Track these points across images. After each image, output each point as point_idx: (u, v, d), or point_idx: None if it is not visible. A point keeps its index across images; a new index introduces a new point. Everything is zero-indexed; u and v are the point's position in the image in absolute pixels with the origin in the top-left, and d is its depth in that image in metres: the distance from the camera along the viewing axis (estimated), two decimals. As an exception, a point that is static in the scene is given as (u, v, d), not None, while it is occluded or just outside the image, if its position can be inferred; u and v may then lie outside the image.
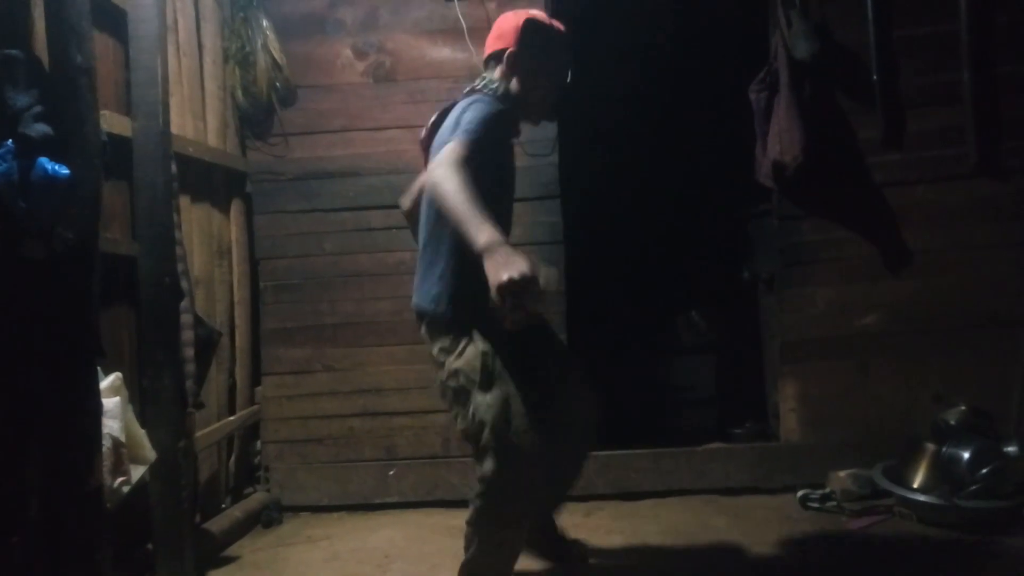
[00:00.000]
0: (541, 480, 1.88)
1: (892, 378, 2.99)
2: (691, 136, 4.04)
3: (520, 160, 3.08)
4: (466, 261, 1.75)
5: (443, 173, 1.71)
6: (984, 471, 2.49)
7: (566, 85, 2.10)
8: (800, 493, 2.83)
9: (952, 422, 2.71)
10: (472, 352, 1.88)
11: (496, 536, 1.93)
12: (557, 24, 2.06)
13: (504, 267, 1.57)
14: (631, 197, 4.16)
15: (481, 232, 1.62)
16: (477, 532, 1.94)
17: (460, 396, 1.90)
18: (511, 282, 1.55)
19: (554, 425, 1.92)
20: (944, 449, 2.61)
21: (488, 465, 1.84)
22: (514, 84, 2.02)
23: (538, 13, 2.10)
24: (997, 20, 2.93)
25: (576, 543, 2.40)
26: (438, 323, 1.95)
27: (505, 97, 2.01)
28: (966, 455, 2.54)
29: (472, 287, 1.75)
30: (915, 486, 2.63)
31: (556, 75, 2.06)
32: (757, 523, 2.68)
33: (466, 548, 2.00)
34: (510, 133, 2.06)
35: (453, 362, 1.90)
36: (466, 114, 1.86)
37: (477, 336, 1.89)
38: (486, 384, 1.85)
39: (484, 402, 1.84)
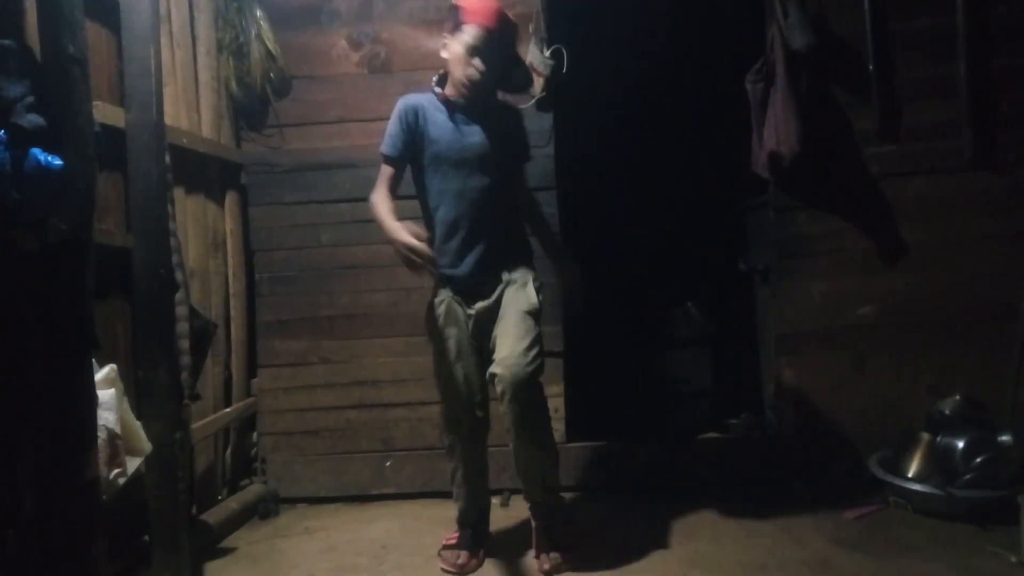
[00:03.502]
0: (464, 425, 2.37)
1: (887, 369, 3.00)
2: (687, 128, 4.04)
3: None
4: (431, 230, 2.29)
5: (371, 200, 2.29)
6: (978, 461, 2.51)
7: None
8: (796, 484, 2.84)
9: (947, 412, 2.73)
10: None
11: (448, 466, 2.46)
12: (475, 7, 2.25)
13: (396, 243, 2.08)
14: (627, 189, 4.16)
15: (387, 229, 2.13)
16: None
17: None
18: (401, 255, 2.07)
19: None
20: (939, 439, 2.62)
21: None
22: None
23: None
24: (993, 13, 2.93)
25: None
26: None
27: (442, 78, 2.35)
28: (961, 445, 2.56)
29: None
30: (910, 476, 2.65)
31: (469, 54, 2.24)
32: (752, 514, 2.69)
33: None
34: (420, 114, 2.31)
35: None
36: None
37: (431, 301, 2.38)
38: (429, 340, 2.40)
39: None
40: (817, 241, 3.04)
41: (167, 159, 2.40)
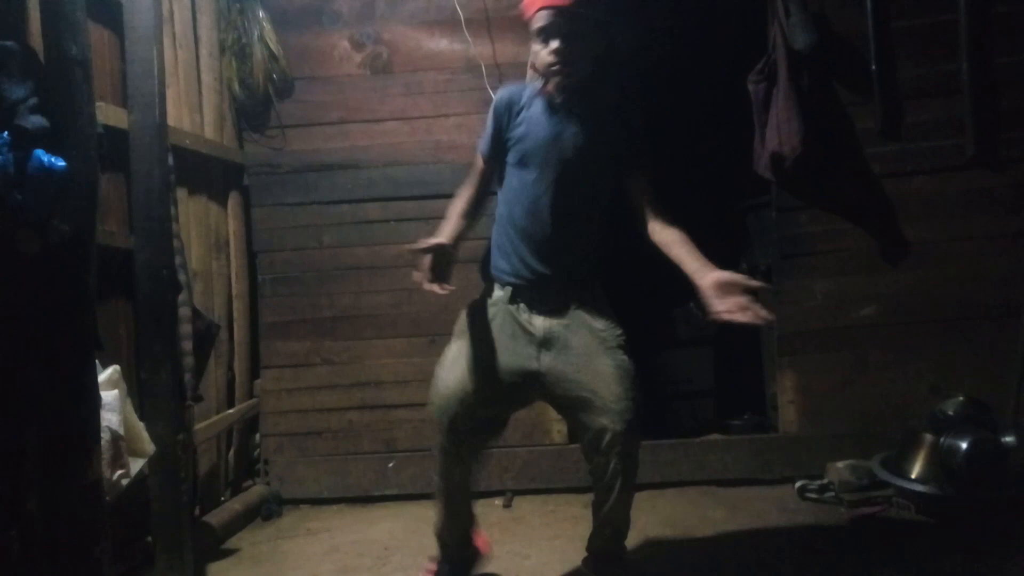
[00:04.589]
0: (457, 434, 1.99)
1: (890, 369, 2.99)
2: (689, 127, 4.03)
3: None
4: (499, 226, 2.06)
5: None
6: (982, 461, 2.50)
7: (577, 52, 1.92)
8: (798, 484, 2.85)
9: (950, 413, 2.72)
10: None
11: (439, 488, 2.10)
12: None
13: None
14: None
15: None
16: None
17: None
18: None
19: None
20: (942, 440, 2.61)
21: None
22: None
23: None
24: (996, 11, 2.93)
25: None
26: None
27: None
28: (964, 446, 2.54)
29: (496, 248, 2.05)
30: (913, 477, 2.64)
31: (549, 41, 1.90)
32: (755, 514, 2.69)
33: None
34: (513, 109, 2.01)
35: None
36: None
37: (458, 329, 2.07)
38: (453, 337, 2.06)
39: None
40: (819, 240, 3.03)
41: (170, 160, 2.40)
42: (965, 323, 2.96)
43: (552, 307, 1.97)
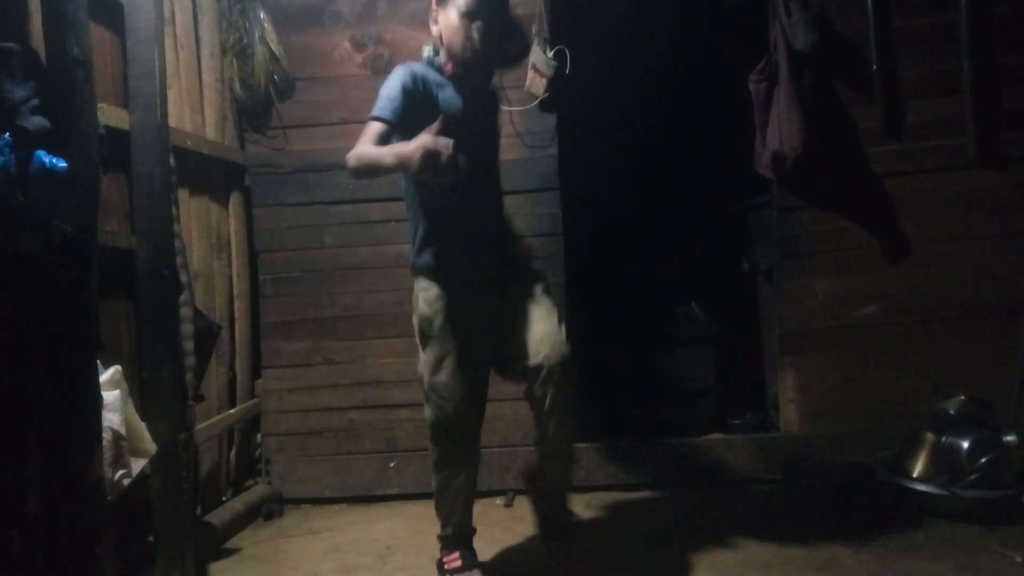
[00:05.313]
0: (468, 429, 2.15)
1: (891, 368, 2.99)
2: (691, 127, 4.03)
3: (519, 151, 3.10)
4: (418, 222, 2.13)
5: (350, 155, 1.97)
6: (983, 460, 2.50)
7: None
8: (798, 482, 2.84)
9: (951, 412, 2.72)
10: (415, 315, 2.14)
11: (437, 478, 2.17)
12: None
13: (416, 151, 1.83)
14: (630, 188, 4.15)
15: (395, 155, 1.90)
16: (433, 478, 2.19)
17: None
18: (424, 156, 1.82)
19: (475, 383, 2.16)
20: (943, 439, 2.61)
21: (426, 412, 2.13)
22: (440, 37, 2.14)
23: None
24: (997, 10, 2.92)
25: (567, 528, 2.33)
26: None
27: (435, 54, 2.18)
28: (965, 445, 2.55)
29: (423, 245, 2.12)
30: (914, 476, 2.64)
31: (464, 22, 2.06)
32: (756, 513, 2.69)
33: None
34: (424, 86, 2.09)
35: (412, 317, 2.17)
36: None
37: (419, 299, 2.13)
38: (424, 343, 2.13)
39: (422, 359, 2.14)
40: (820, 240, 3.03)
41: (171, 160, 2.40)
42: (966, 322, 2.96)
43: (489, 273, 2.15)
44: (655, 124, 4.03)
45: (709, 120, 3.90)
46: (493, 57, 2.16)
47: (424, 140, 1.85)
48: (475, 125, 2.13)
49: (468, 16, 2.03)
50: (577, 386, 2.13)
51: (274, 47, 3.08)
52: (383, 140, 1.99)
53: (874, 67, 2.94)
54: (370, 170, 2.01)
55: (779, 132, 2.85)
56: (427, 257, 2.13)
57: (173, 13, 2.72)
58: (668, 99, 4.02)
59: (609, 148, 4.06)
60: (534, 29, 3.00)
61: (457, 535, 2.23)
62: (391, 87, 2.05)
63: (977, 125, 2.91)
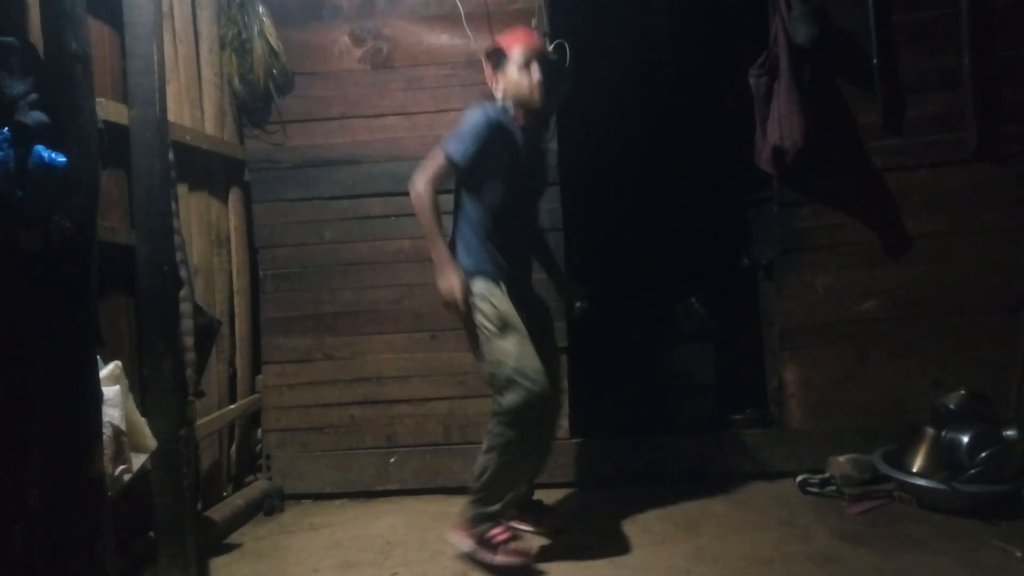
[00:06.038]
0: (550, 415, 2.38)
1: (891, 363, 2.99)
2: (691, 122, 4.03)
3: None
4: (482, 238, 2.37)
5: (418, 188, 2.26)
6: (983, 455, 2.50)
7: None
8: (800, 478, 2.85)
9: (952, 407, 2.72)
10: (487, 310, 2.30)
11: (503, 460, 2.26)
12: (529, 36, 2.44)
13: (441, 283, 2.27)
14: (630, 184, 4.15)
15: (435, 250, 2.27)
16: (496, 458, 2.27)
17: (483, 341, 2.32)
18: (444, 302, 2.29)
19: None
20: (944, 434, 2.62)
21: (510, 397, 2.23)
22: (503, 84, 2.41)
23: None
24: (997, 4, 2.92)
25: (550, 509, 2.67)
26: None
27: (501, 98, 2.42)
28: (965, 439, 2.55)
29: (486, 255, 2.36)
30: (915, 470, 2.64)
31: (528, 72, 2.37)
32: (757, 508, 2.70)
33: (478, 476, 2.31)
34: (499, 132, 2.31)
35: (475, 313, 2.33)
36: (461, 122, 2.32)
37: (490, 297, 2.31)
38: (504, 333, 2.28)
39: (501, 349, 2.27)
40: (821, 235, 3.03)
41: (170, 156, 2.40)
42: (967, 317, 2.96)
43: (522, 290, 2.44)
44: (655, 119, 4.03)
45: (709, 115, 3.90)
46: (551, 96, 2.40)
47: (454, 287, 2.25)
48: (535, 168, 2.47)
49: (526, 64, 2.35)
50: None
51: (273, 42, 3.07)
52: (444, 177, 2.31)
53: (874, 61, 2.94)
54: (418, 218, 2.32)
55: (779, 127, 2.84)
56: (491, 266, 2.35)
57: (172, 8, 2.71)
58: (668, 94, 4.01)
59: (609, 143, 4.06)
60: (533, 23, 2.99)
61: (504, 512, 2.35)
62: (472, 131, 2.28)
63: (978, 119, 2.91)
